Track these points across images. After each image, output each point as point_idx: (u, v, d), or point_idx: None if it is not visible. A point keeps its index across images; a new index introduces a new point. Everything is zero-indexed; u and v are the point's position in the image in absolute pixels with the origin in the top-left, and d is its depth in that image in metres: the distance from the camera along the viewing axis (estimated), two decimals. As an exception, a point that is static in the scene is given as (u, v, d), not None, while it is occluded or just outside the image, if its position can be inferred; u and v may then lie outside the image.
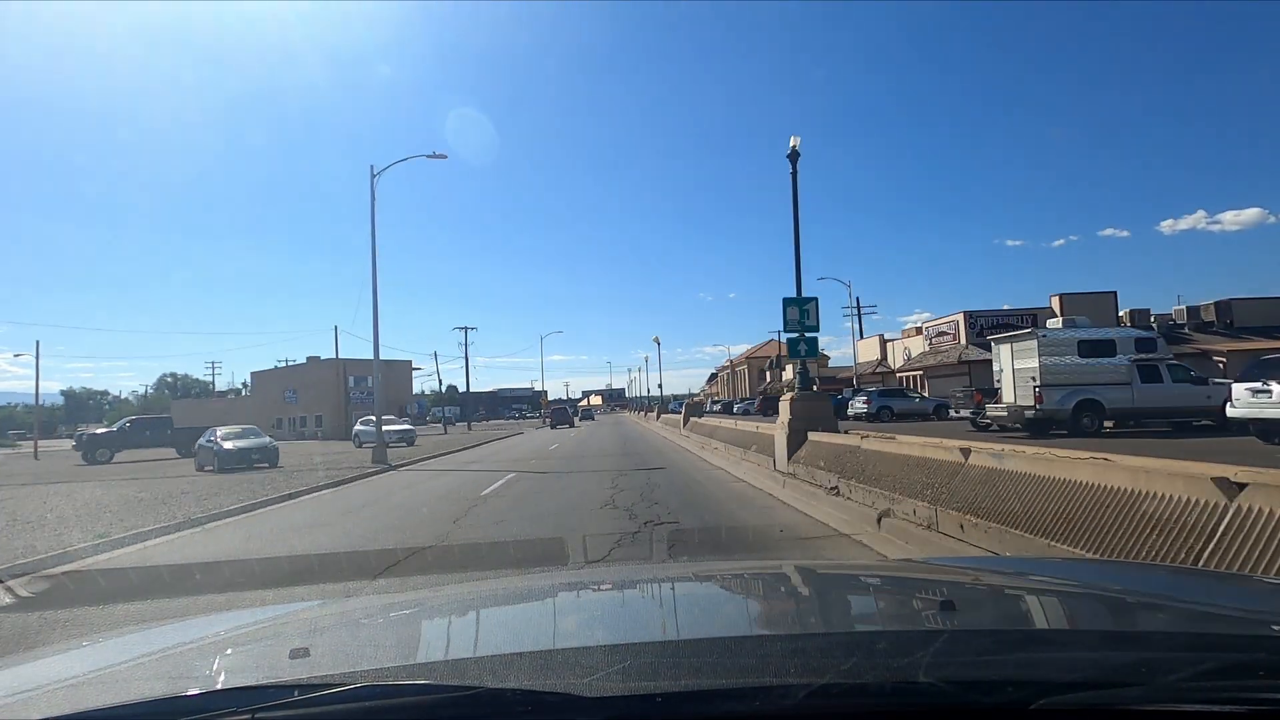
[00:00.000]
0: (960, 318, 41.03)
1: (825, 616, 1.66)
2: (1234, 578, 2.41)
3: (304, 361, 56.56)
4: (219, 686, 1.09)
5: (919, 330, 47.23)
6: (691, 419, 25.94)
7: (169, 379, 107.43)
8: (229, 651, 1.45)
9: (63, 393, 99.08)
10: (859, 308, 56.01)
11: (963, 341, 40.73)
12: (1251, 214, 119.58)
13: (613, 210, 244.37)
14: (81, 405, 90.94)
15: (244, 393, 69.28)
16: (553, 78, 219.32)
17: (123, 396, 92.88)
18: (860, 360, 59.41)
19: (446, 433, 53.06)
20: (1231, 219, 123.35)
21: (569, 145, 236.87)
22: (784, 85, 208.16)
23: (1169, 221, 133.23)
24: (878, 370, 51.36)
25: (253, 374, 63.21)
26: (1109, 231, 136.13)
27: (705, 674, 1.06)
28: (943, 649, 1.06)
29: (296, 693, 0.98)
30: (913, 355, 47.98)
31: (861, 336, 57.97)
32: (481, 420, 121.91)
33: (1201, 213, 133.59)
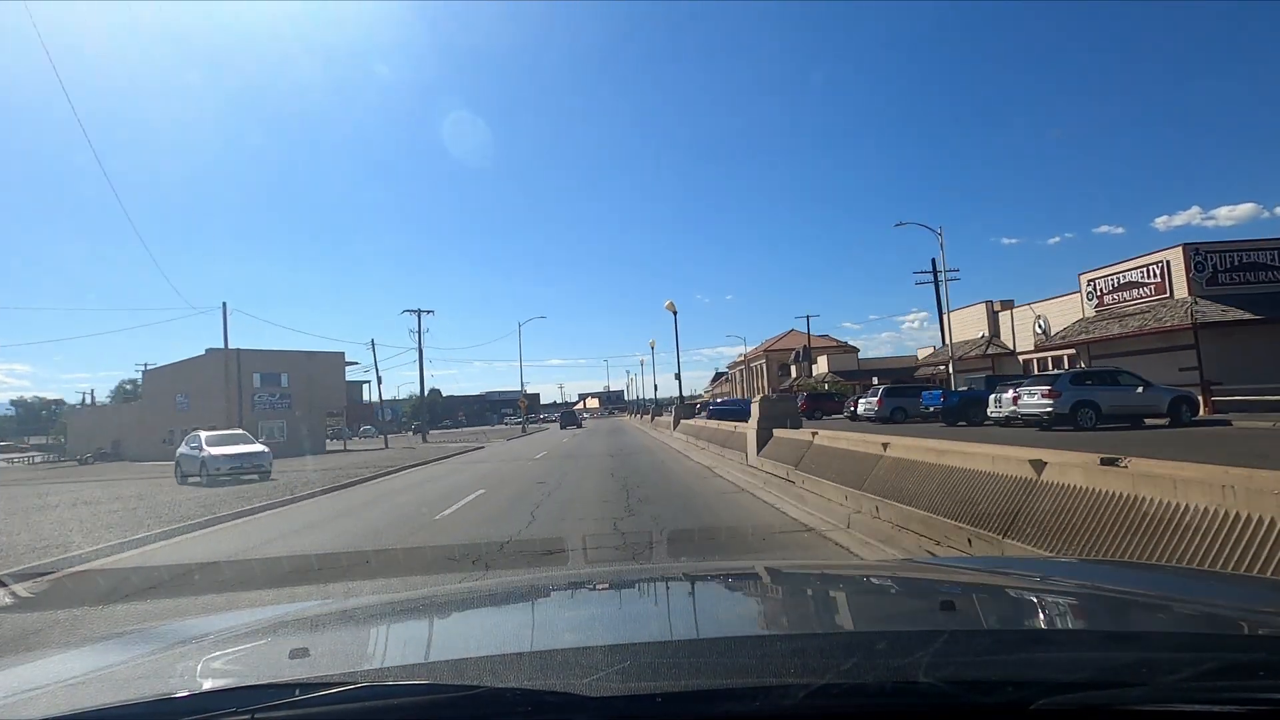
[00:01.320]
0: (1176, 256, 25.94)
1: (825, 616, 1.63)
2: (1234, 578, 2.37)
3: (204, 354, 46.71)
4: (219, 686, 1.10)
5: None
6: (775, 433, 12.35)
7: (127, 385, 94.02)
8: (229, 651, 1.45)
9: (13, 403, 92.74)
10: (935, 271, 37.52)
11: (1182, 293, 25.60)
12: (1245, 209, 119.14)
13: (609, 213, 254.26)
14: (34, 415, 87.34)
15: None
16: (547, 81, 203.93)
17: (77, 405, 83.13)
18: (941, 340, 38.00)
19: (387, 446, 44.13)
20: (1226, 214, 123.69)
21: (562, 148, 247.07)
22: (780, 88, 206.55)
23: (1163, 218, 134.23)
24: (988, 352, 30.47)
25: (144, 373, 44.02)
26: (1104, 228, 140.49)
27: (705, 674, 1.06)
28: (943, 649, 1.06)
29: (297, 692, 0.99)
30: (1052, 329, 33.96)
31: (939, 309, 38.65)
32: (462, 426, 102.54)
33: (1196, 209, 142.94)
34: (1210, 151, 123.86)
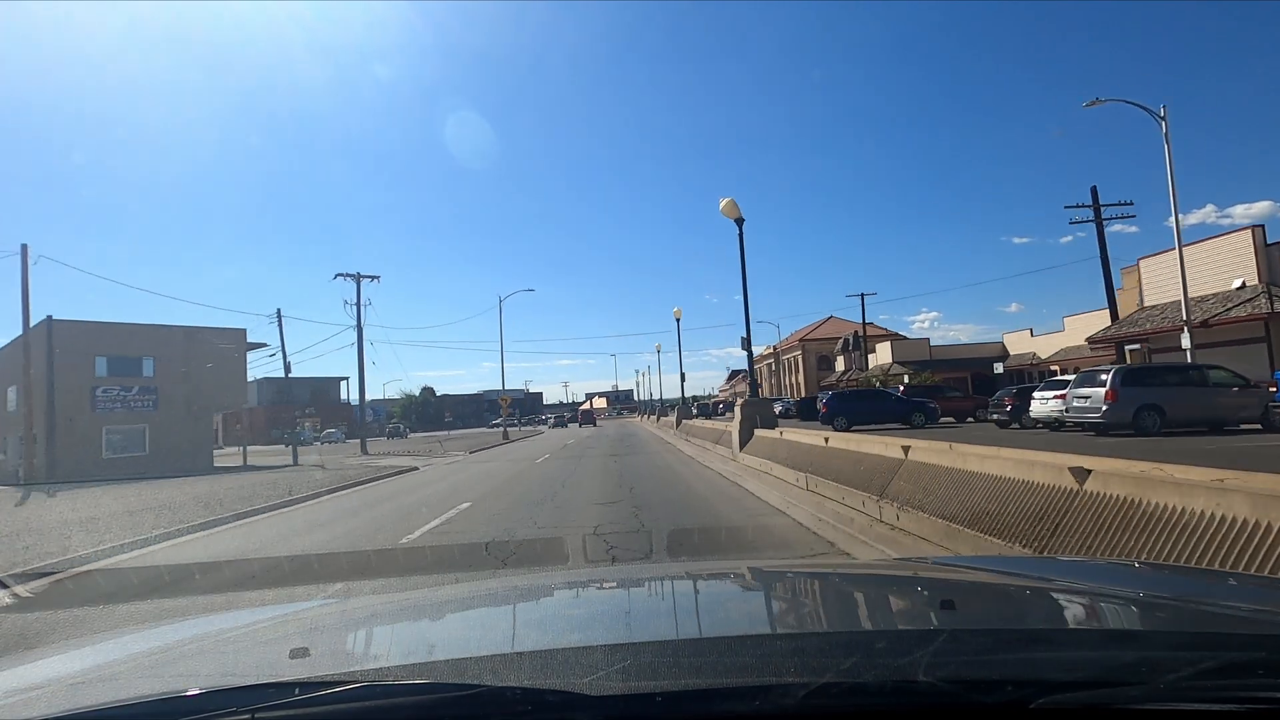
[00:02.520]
0: None
1: (825, 616, 1.61)
2: (1234, 577, 2.31)
3: (35, 327, 18.63)
4: (219, 686, 1.10)
5: None
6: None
7: None
8: (229, 651, 1.44)
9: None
10: (1096, 203, 19.27)
11: None
12: (1262, 207, 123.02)
13: (614, 214, 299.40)
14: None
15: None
16: (549, 81, 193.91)
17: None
18: (1110, 307, 32.07)
19: (295, 463, 30.54)
20: (1242, 213, 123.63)
21: (565, 151, 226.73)
22: (780, 87, 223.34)
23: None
24: (1274, 308, 9.98)
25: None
26: (1118, 227, 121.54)
27: (705, 673, 1.07)
28: (942, 648, 1.07)
29: (297, 692, 0.99)
30: None
31: (1106, 261, 23.35)
32: (452, 429, 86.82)
33: (1211, 207, 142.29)
34: (1226, 148, 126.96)
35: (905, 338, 64.25)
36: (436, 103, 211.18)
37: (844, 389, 45.22)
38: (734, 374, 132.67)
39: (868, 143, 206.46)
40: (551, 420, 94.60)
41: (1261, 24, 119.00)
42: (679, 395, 48.31)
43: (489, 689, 0.95)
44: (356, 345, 40.88)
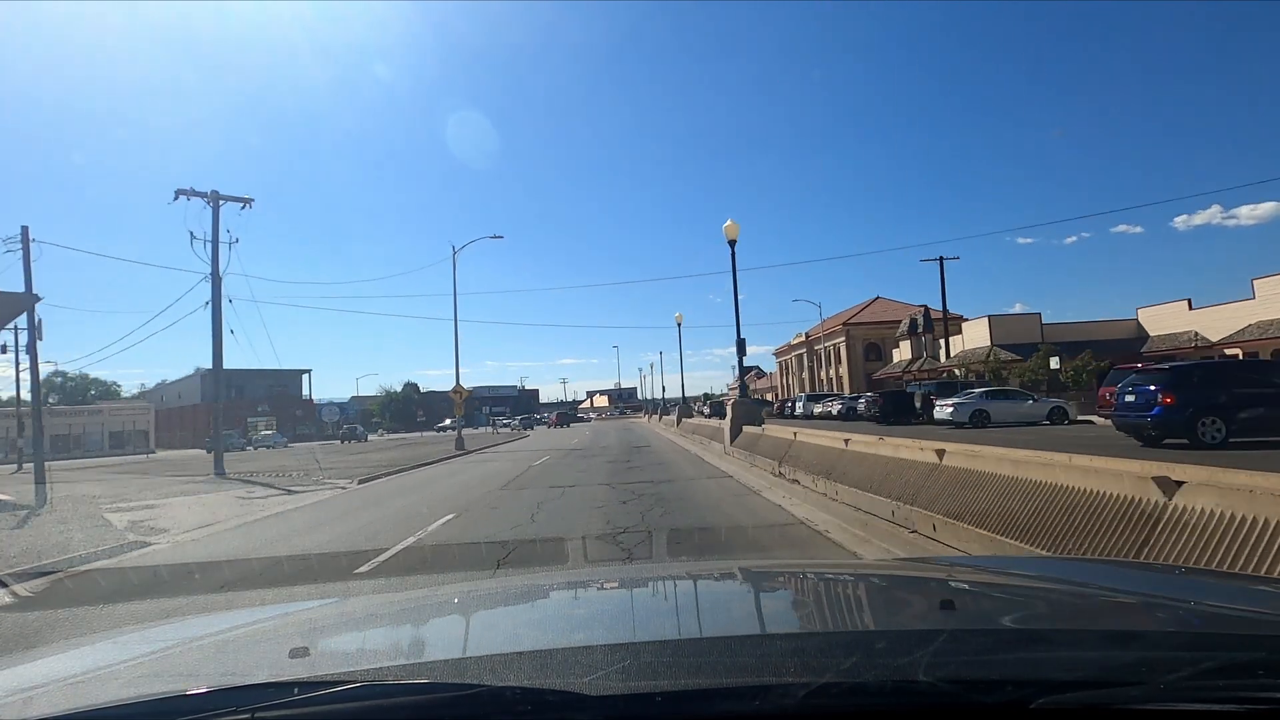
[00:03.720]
0: None
1: (825, 616, 1.60)
2: (1234, 577, 2.25)
3: None
4: (218, 686, 1.10)
5: None
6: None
7: (56, 378, 77.46)
8: (229, 651, 1.43)
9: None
10: None
11: None
12: (1268, 208, 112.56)
13: (614, 212, 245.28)
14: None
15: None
16: (550, 81, 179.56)
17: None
18: None
19: (41, 486, 17.36)
20: (1248, 214, 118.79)
21: (566, 149, 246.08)
22: (781, 86, 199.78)
23: (1183, 217, 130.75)
24: None
25: None
26: (1122, 228, 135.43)
27: (705, 673, 1.07)
28: (942, 648, 1.07)
29: (296, 691, 0.99)
30: None
31: None
32: (419, 430, 74.20)
33: (1216, 208, 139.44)
34: (1233, 149, 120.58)
35: (957, 315, 49.90)
36: (438, 102, 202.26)
37: (986, 383, 30.77)
38: (746, 371, 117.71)
39: (868, 143, 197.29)
40: (518, 421, 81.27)
41: (1257, 28, 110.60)
42: (734, 383, 33.08)
43: (488, 689, 0.92)
44: (212, 304, 25.88)
